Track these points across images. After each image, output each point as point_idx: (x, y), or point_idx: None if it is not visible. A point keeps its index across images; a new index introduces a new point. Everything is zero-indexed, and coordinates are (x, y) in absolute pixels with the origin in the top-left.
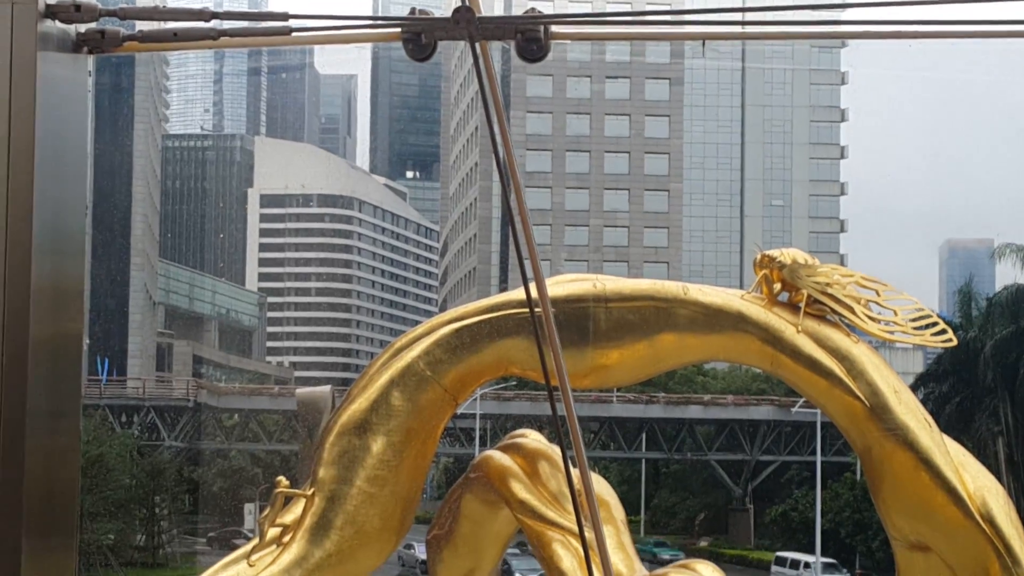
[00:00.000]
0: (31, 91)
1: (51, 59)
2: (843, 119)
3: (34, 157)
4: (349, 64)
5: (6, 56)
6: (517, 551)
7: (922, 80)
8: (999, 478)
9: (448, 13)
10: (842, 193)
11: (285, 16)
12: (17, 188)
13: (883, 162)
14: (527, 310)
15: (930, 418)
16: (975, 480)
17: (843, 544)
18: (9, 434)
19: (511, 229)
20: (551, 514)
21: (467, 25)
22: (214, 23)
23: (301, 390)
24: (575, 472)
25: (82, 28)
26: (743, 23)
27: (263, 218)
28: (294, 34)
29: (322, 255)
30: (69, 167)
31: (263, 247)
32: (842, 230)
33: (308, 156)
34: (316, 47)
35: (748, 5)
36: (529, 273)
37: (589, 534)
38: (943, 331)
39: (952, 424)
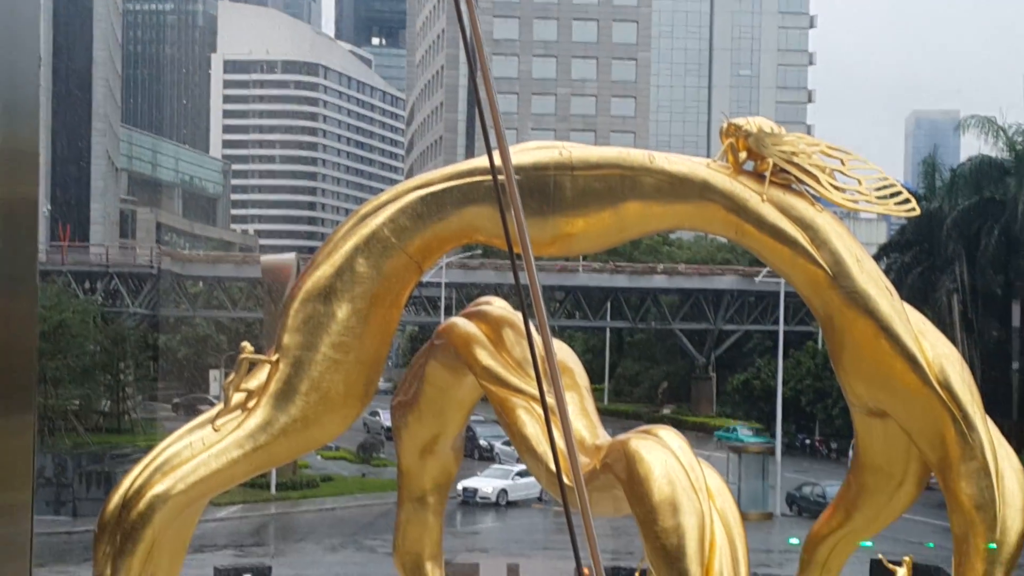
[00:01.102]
0: None
1: None
2: None
3: None
4: None
5: None
6: (482, 418)
7: None
8: (954, 339)
9: None
10: (810, 63)
11: None
12: None
13: (852, 32)
14: (492, 177)
15: (891, 287)
16: (934, 348)
17: (803, 412)
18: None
19: (475, 97)
20: (515, 380)
21: None
22: None
23: (266, 257)
24: (537, 339)
25: None
26: None
27: (227, 84)
28: None
29: (286, 122)
30: (19, 29)
31: (227, 114)
32: (809, 100)
33: (272, 21)
34: None
35: None
36: (493, 142)
37: (551, 400)
38: (906, 200)
39: (914, 294)
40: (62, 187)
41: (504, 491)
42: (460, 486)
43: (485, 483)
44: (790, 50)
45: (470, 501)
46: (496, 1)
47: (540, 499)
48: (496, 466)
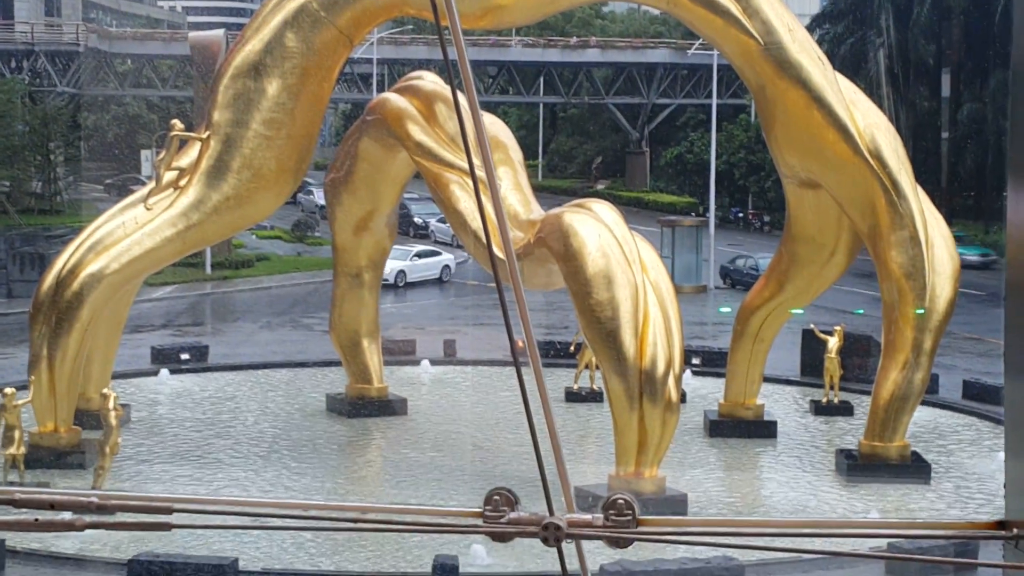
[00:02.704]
0: None
1: None
2: None
3: None
4: None
5: None
6: (416, 195)
7: None
8: (885, 110)
9: None
10: None
11: None
12: None
13: None
14: None
15: (824, 57)
16: (865, 118)
17: (737, 185)
18: None
19: None
20: (448, 155)
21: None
22: None
23: (194, 34)
24: (466, 111)
25: None
26: None
27: None
28: None
29: None
30: None
31: None
32: None
33: None
34: None
35: None
36: None
37: (481, 174)
38: None
39: (845, 64)
40: None
41: (403, 272)
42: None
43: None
44: None
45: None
46: None
47: (440, 279)
48: (395, 247)
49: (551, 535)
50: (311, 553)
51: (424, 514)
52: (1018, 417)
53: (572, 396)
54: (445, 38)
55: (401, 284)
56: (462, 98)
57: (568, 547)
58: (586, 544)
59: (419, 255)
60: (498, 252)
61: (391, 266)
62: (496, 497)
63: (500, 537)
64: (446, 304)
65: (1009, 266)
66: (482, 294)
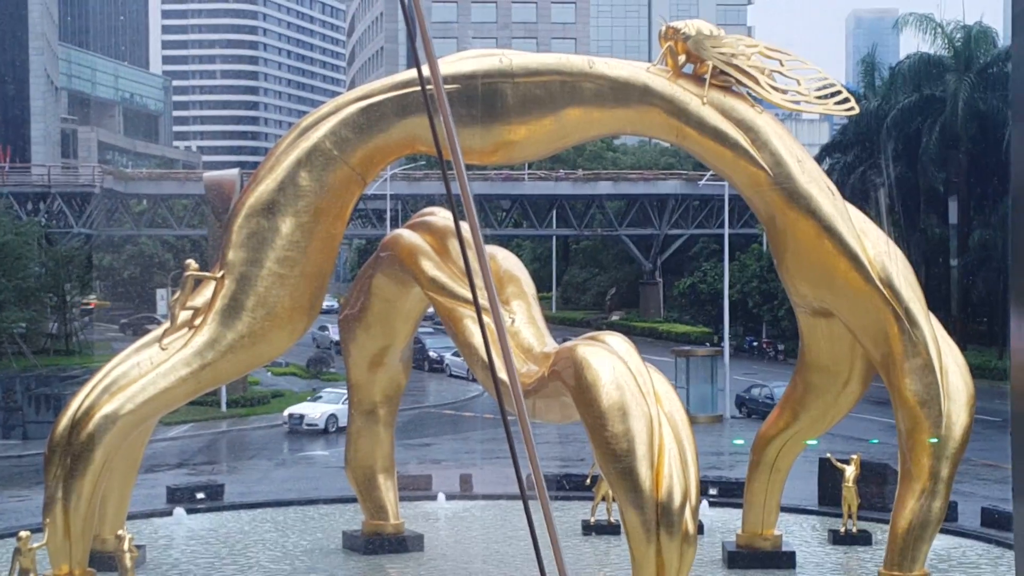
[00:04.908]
0: None
1: None
2: None
3: None
4: None
5: None
6: (431, 329)
7: None
8: (896, 238)
9: None
10: None
11: None
12: None
13: None
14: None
15: (833, 187)
16: (875, 247)
17: (750, 314)
18: None
19: (401, 5)
20: (461, 290)
21: None
22: None
23: (209, 174)
24: (469, 243)
25: None
26: None
27: (166, 6)
28: None
29: (227, 36)
30: None
31: (166, 29)
32: (748, 2)
33: None
34: None
35: None
36: (422, 53)
37: (484, 303)
38: (846, 100)
39: (855, 193)
40: (1, 107)
41: (334, 416)
42: (286, 413)
43: (313, 408)
44: None
45: (296, 429)
46: None
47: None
48: (327, 390)
49: None
50: None
51: None
52: None
53: (589, 529)
54: (450, 174)
55: (333, 429)
56: (465, 229)
57: None
58: None
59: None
60: (503, 376)
61: (321, 410)
62: None
63: None
64: (462, 438)
65: (1013, 394)
66: (498, 426)
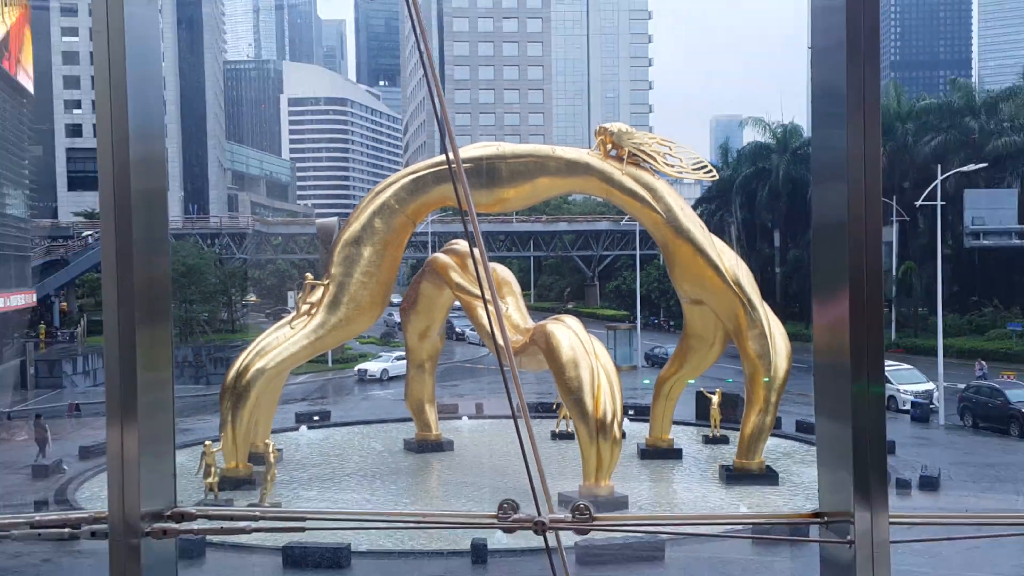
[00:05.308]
0: (121, 37)
1: (133, 4)
2: (650, 41)
3: (125, 71)
4: (341, 11)
5: (101, 7)
6: (457, 315)
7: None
8: (742, 255)
9: None
10: (650, 88)
11: None
12: (116, 89)
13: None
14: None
15: (703, 225)
16: (728, 261)
17: (653, 303)
18: (123, 253)
19: (436, 119)
20: (475, 291)
21: None
22: None
23: (319, 220)
24: (479, 261)
25: None
26: None
27: (291, 113)
28: None
29: (329, 135)
30: (150, 78)
31: (291, 131)
32: (650, 111)
33: (317, 73)
34: None
35: None
36: (448, 146)
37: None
38: (710, 171)
39: (716, 229)
40: (192, 181)
41: (386, 370)
42: (356, 368)
43: (373, 365)
44: (637, 80)
45: (363, 378)
46: (456, 55)
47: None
48: (383, 352)
49: (539, 528)
50: (396, 539)
51: (460, 516)
52: (824, 443)
53: (555, 436)
54: (467, 219)
55: (386, 379)
56: (476, 253)
57: (550, 534)
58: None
59: (398, 358)
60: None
61: (380, 366)
62: (505, 504)
63: (507, 530)
64: (476, 381)
65: (815, 350)
66: (498, 374)
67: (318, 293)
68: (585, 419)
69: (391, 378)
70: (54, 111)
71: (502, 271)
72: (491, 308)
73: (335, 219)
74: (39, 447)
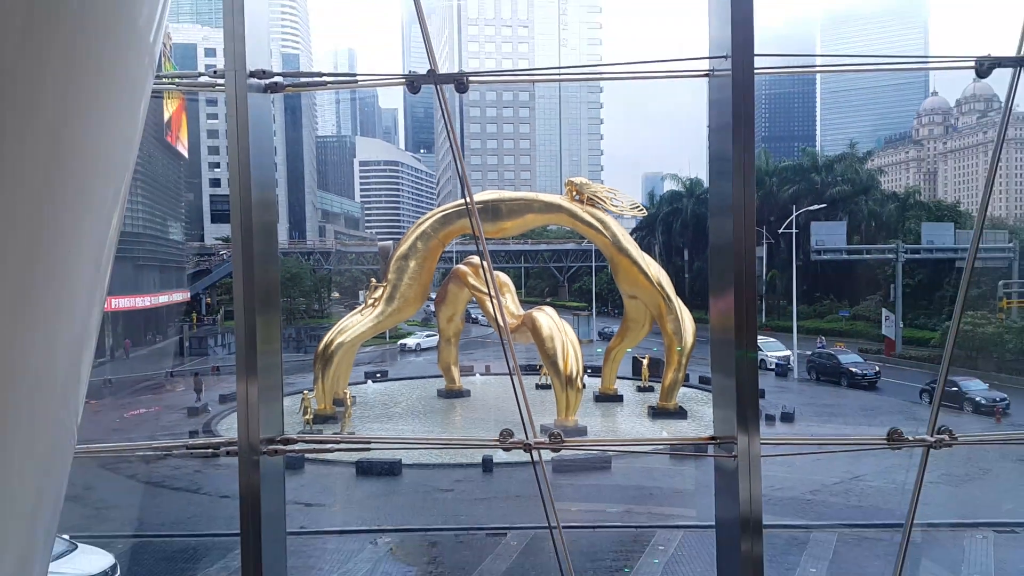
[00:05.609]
0: (245, 121)
1: (254, 100)
2: (601, 122)
3: (249, 143)
4: (394, 100)
5: (232, 102)
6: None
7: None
8: (663, 266)
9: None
10: (601, 153)
11: (354, 75)
12: (242, 153)
13: (620, 138)
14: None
15: (637, 246)
16: (653, 268)
17: (604, 298)
18: (247, 264)
19: (458, 175)
20: (484, 289)
21: (433, 76)
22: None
23: (381, 243)
24: (487, 269)
25: (268, 81)
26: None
27: (360, 171)
28: (359, 80)
29: (386, 187)
30: (265, 147)
31: (361, 183)
32: (602, 169)
33: (378, 145)
34: (378, 89)
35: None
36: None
37: (494, 294)
38: (642, 209)
39: (645, 249)
40: (294, 217)
41: (419, 344)
42: (398, 343)
43: (411, 340)
44: (593, 148)
45: (403, 349)
46: (471, 132)
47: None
48: (417, 332)
49: (527, 448)
50: (431, 456)
51: (475, 440)
52: (717, 390)
53: (539, 387)
54: (478, 242)
55: (418, 349)
56: (486, 264)
57: (535, 452)
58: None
59: (429, 335)
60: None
61: (416, 341)
62: (504, 432)
63: (506, 450)
64: (485, 350)
65: (712, 329)
66: (500, 346)
67: (379, 292)
68: (558, 375)
69: (423, 349)
70: (201, 170)
71: (502, 276)
72: (495, 301)
73: (391, 242)
74: (196, 394)
